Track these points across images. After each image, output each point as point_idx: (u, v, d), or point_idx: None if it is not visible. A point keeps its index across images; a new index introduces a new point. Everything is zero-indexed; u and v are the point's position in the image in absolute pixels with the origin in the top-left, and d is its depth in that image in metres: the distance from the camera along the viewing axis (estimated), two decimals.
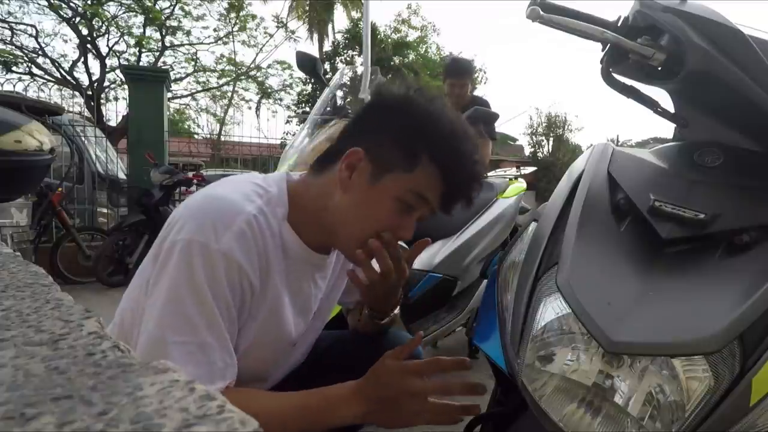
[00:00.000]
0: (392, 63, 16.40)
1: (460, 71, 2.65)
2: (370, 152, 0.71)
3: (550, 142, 22.04)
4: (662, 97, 0.84)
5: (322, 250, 0.79)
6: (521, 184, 2.33)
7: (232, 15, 11.39)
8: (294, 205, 0.74)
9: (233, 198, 0.68)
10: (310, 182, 0.76)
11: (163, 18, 10.11)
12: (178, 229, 0.64)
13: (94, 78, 10.16)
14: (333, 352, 0.95)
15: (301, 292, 0.78)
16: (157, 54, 10.89)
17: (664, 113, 0.83)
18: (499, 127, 2.33)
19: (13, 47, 9.59)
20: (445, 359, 0.70)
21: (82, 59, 10.00)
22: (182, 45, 11.25)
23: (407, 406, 0.67)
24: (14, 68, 9.50)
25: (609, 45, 0.78)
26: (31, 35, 9.66)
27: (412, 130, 0.70)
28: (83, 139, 4.99)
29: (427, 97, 0.72)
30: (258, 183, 0.74)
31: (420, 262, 1.76)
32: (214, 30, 11.69)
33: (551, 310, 0.59)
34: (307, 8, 16.56)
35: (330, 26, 17.56)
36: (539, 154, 21.54)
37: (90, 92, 8.20)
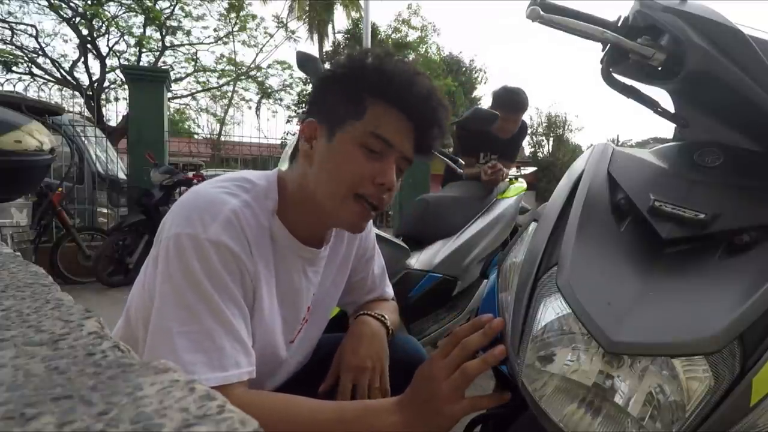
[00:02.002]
0: None
1: (516, 106, 2.20)
2: (320, 116, 0.74)
3: (550, 142, 22.06)
4: (662, 97, 0.83)
5: (313, 244, 0.79)
6: (521, 184, 2.32)
7: (232, 15, 11.39)
8: (283, 198, 0.75)
9: (217, 192, 0.69)
10: (291, 173, 0.78)
11: (163, 18, 10.11)
12: (168, 228, 0.66)
13: (94, 78, 10.18)
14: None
15: (291, 286, 0.78)
16: (157, 54, 10.90)
17: (664, 113, 0.83)
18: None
19: (13, 47, 9.60)
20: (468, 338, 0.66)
21: (82, 59, 10.00)
22: (182, 45, 11.27)
23: (446, 404, 0.63)
24: (14, 68, 9.51)
25: (609, 45, 0.78)
26: (31, 35, 9.68)
27: (347, 78, 0.72)
28: (83, 139, 5.00)
29: (363, 51, 0.76)
30: (246, 177, 0.75)
31: (420, 262, 1.77)
32: (214, 30, 11.72)
33: (551, 310, 0.59)
34: (307, 8, 16.55)
35: (330, 26, 17.57)
36: (539, 154, 21.55)
37: (90, 92, 8.22)
